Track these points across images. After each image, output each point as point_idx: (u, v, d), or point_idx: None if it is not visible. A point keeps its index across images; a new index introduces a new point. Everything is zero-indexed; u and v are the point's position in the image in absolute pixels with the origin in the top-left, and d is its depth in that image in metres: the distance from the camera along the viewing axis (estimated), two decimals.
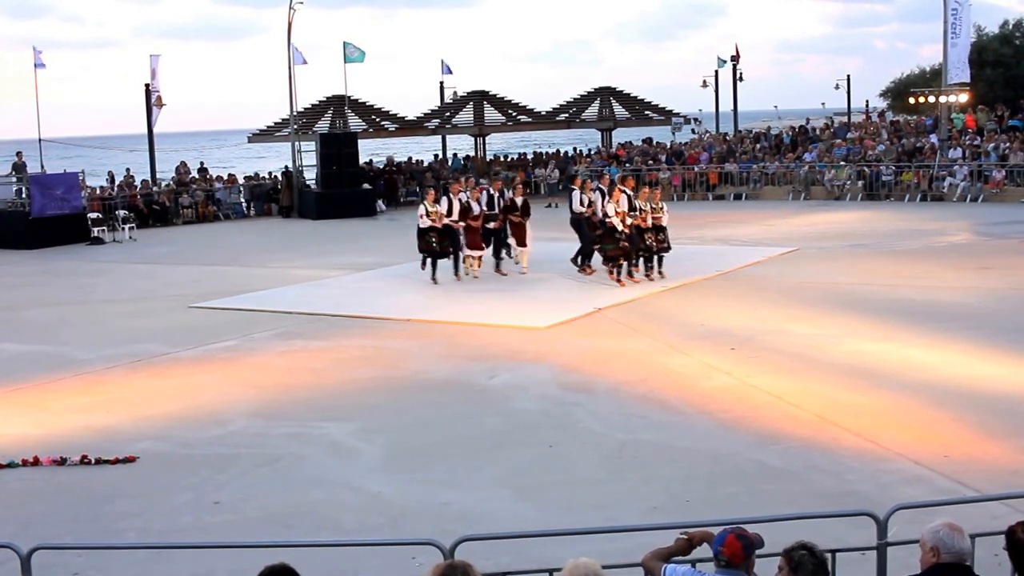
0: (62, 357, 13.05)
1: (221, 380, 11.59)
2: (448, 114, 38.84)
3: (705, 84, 44.25)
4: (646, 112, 40.75)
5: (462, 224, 17.53)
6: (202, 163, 35.05)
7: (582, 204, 17.46)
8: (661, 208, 17.14)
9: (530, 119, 40.12)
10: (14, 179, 27.92)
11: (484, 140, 39.69)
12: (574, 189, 18.12)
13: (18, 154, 28.62)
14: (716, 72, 44.07)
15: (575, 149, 40.19)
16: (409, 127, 38.27)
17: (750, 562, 4.12)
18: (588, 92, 40.80)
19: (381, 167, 35.81)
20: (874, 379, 10.50)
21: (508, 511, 7.48)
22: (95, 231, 26.48)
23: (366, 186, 31.84)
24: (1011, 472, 7.80)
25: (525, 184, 21.73)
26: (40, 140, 30.29)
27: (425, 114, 38.73)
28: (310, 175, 32.57)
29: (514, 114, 39.43)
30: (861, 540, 5.47)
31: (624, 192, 16.71)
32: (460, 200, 17.69)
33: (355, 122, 35.84)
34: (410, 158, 41.44)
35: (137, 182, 32.96)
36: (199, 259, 22.48)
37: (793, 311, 14.14)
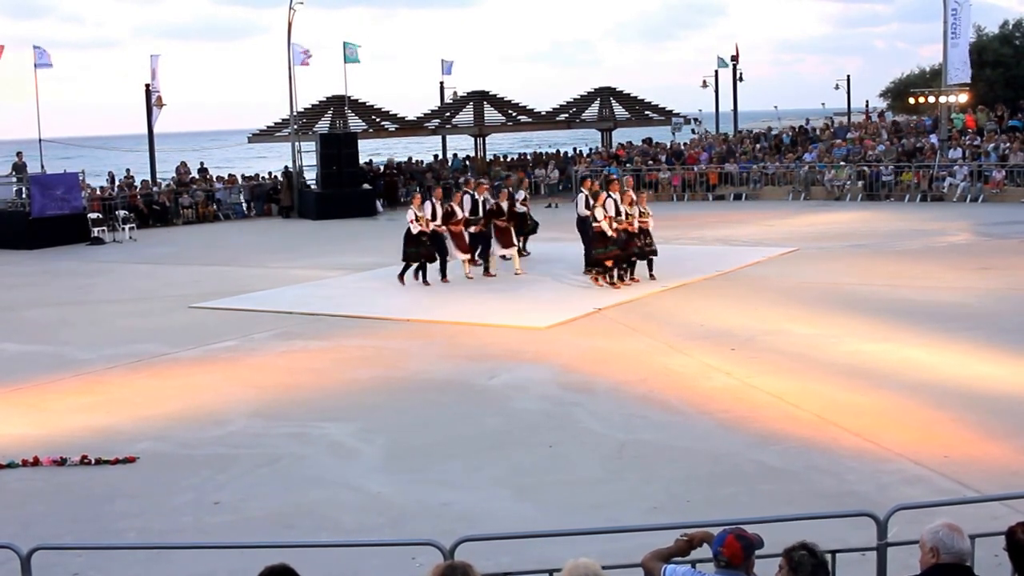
0: (62, 357, 13.05)
1: (221, 380, 11.59)
2: (448, 114, 38.85)
3: (705, 84, 44.27)
4: (646, 112, 40.77)
5: (445, 228, 17.63)
6: (202, 163, 35.06)
7: (587, 207, 17.44)
8: (648, 213, 17.13)
9: (530, 119, 40.13)
10: (14, 179, 27.93)
11: (484, 140, 39.71)
12: (581, 191, 18.13)
13: (18, 154, 28.62)
14: (716, 72, 44.11)
15: (575, 149, 40.20)
16: (409, 127, 38.28)
17: (750, 563, 4.12)
18: (588, 92, 40.82)
19: (381, 168, 35.81)
20: (874, 379, 10.50)
21: (508, 511, 7.48)
22: (95, 231, 26.49)
23: (366, 186, 31.85)
24: (1011, 472, 7.80)
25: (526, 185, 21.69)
26: (40, 140, 30.29)
27: (425, 114, 38.74)
28: (310, 175, 32.60)
29: (514, 114, 39.45)
30: (861, 540, 5.47)
31: (610, 196, 16.63)
32: (449, 205, 17.86)
33: (355, 122, 35.86)
34: (410, 158, 41.46)
35: (137, 182, 32.99)
36: (199, 259, 22.48)
37: (793, 311, 14.15)
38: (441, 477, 8.28)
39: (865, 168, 30.16)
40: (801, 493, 7.58)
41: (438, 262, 17.53)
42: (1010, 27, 41.25)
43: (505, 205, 18.51)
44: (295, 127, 32.80)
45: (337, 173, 30.51)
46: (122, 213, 28.11)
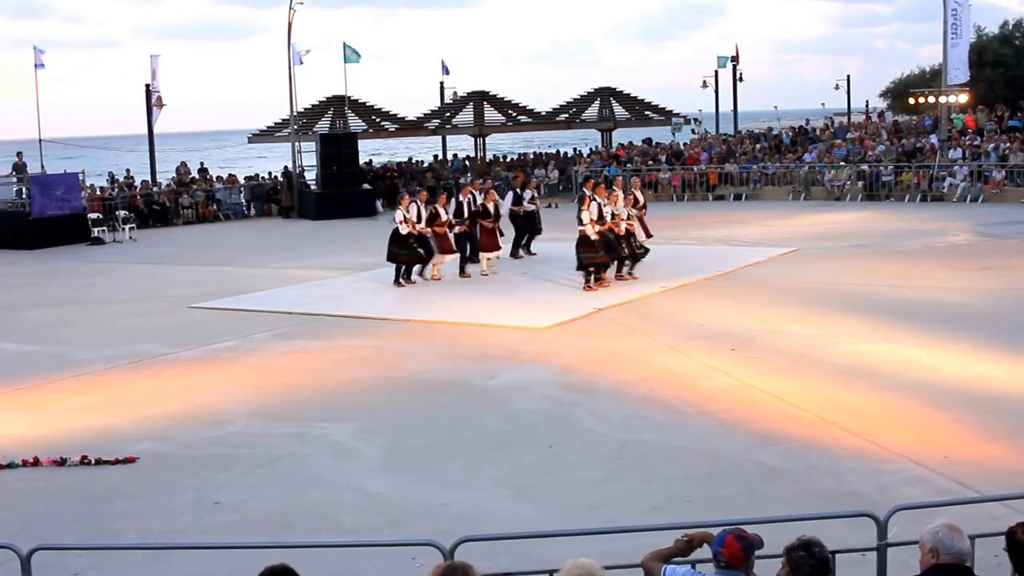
0: (62, 357, 13.05)
1: (221, 380, 11.59)
2: (448, 114, 38.85)
3: (705, 84, 44.24)
4: (646, 112, 40.78)
5: (429, 230, 17.66)
6: (202, 163, 35.06)
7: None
8: (637, 211, 17.15)
9: (530, 119, 40.14)
10: (14, 179, 27.94)
11: (484, 140, 39.70)
12: (585, 192, 18.11)
13: (18, 154, 28.64)
14: (716, 72, 44.07)
15: (575, 150, 40.21)
16: (409, 127, 38.29)
17: (750, 563, 4.12)
18: (588, 92, 40.83)
19: (381, 168, 35.81)
20: (874, 379, 10.50)
21: (508, 511, 7.48)
22: (95, 231, 26.49)
23: (366, 186, 31.85)
24: (1011, 472, 7.80)
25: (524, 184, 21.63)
26: (40, 140, 30.31)
27: (425, 114, 38.75)
28: (310, 175, 32.59)
29: (514, 114, 39.45)
30: (861, 541, 5.47)
31: (594, 200, 16.58)
32: (433, 207, 17.99)
33: (355, 122, 35.86)
34: (410, 158, 41.46)
35: (137, 182, 32.99)
36: (199, 259, 22.48)
37: (793, 311, 14.14)
38: (441, 477, 8.28)
39: (865, 168, 30.16)
40: (801, 493, 7.58)
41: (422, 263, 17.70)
42: (1010, 27, 41.30)
43: (491, 207, 18.55)
44: (295, 127, 32.80)
45: (337, 173, 30.51)
46: (122, 213, 28.11)
